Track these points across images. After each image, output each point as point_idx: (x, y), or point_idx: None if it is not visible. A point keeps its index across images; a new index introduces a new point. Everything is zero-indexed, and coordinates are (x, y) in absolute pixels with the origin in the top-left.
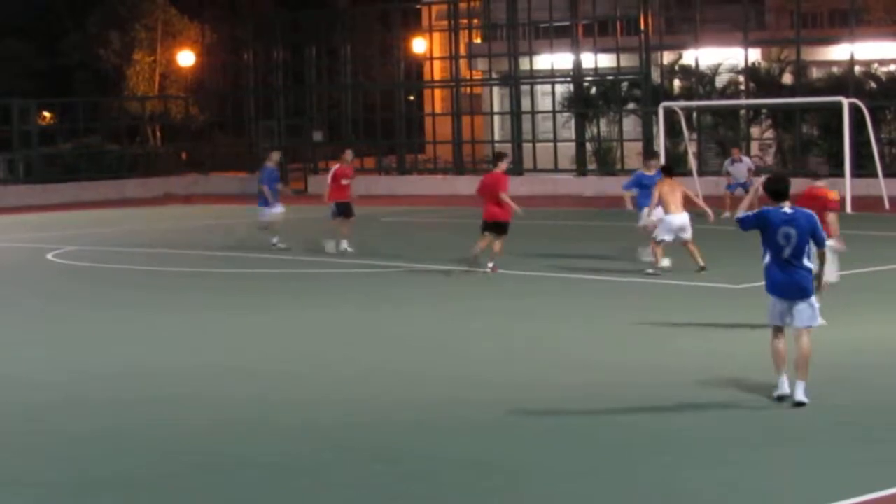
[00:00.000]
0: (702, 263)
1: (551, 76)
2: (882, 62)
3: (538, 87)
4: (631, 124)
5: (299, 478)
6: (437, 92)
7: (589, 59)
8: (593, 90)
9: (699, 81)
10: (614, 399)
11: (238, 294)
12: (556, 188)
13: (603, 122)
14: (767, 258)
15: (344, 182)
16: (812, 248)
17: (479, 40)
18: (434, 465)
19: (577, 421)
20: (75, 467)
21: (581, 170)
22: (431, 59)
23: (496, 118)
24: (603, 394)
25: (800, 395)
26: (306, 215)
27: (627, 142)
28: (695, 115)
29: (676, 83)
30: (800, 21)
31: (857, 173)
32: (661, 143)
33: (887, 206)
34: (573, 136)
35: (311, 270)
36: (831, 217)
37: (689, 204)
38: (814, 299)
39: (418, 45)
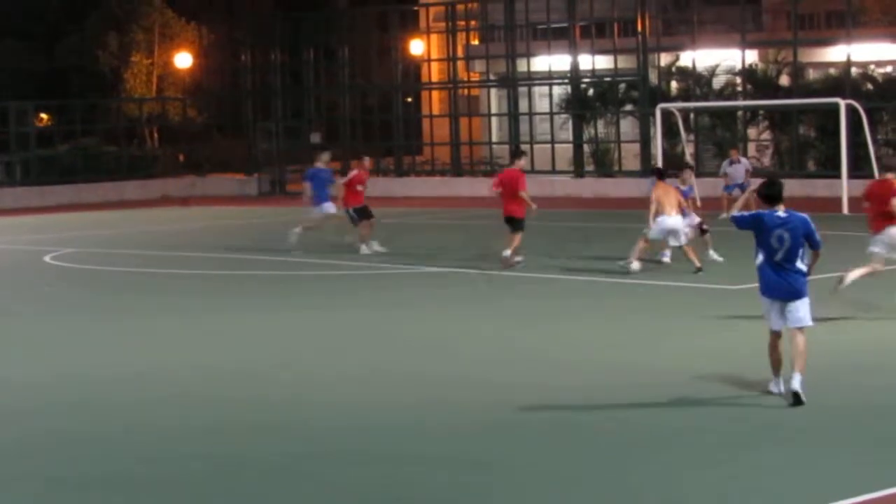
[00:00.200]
0: (698, 265)
1: (549, 78)
2: (879, 63)
3: (536, 89)
4: (628, 126)
5: (297, 479)
6: (435, 94)
7: (586, 61)
8: (591, 92)
9: (696, 83)
10: (612, 400)
11: (236, 296)
12: (554, 189)
13: (600, 124)
14: (760, 258)
15: (359, 188)
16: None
17: (476, 42)
18: (433, 467)
19: (576, 421)
20: (71, 468)
21: (579, 171)
22: (429, 60)
23: (494, 120)
24: (601, 394)
25: (796, 385)
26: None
27: (625, 143)
28: (692, 116)
29: (674, 85)
30: (797, 22)
31: (853, 174)
32: (658, 145)
33: None
34: (571, 138)
35: (309, 272)
36: (894, 202)
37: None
38: (806, 300)
39: (416, 47)
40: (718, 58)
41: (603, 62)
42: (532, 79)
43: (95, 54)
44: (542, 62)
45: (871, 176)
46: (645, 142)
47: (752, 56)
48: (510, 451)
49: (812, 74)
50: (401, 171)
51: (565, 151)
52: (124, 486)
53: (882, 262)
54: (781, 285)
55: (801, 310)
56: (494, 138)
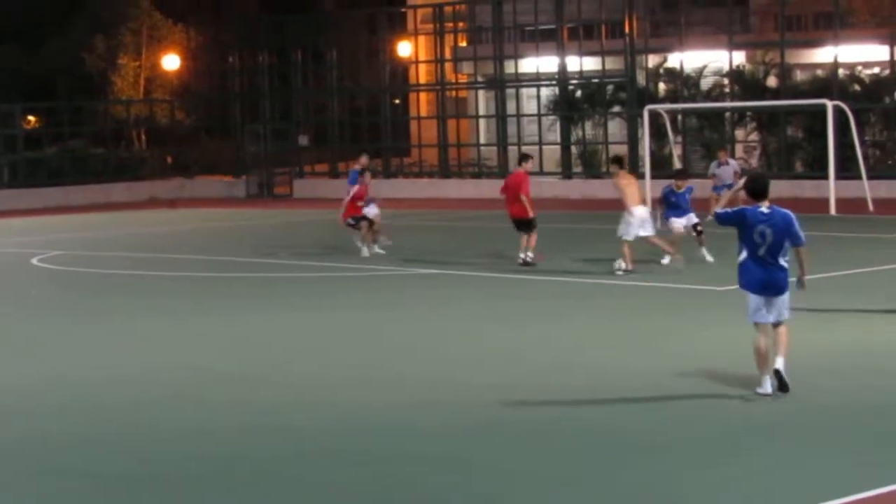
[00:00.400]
0: (669, 251)
1: (536, 79)
2: (866, 65)
3: (523, 91)
4: (616, 127)
5: (289, 480)
6: (423, 95)
7: (574, 63)
8: (578, 93)
9: (684, 84)
10: (604, 401)
11: (225, 298)
12: (542, 191)
13: (588, 126)
14: (744, 254)
15: (359, 203)
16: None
17: (464, 44)
18: (426, 468)
19: (569, 423)
20: (63, 469)
21: (566, 173)
22: (417, 62)
23: (481, 121)
24: (592, 396)
25: (779, 365)
26: (292, 220)
27: (612, 145)
28: (680, 117)
29: (661, 86)
30: (784, 24)
31: (841, 175)
32: (646, 146)
33: (871, 207)
34: (558, 140)
35: (299, 274)
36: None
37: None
38: (787, 295)
39: (404, 49)
40: (706, 59)
41: (591, 64)
42: (520, 80)
43: (82, 56)
44: (530, 64)
45: (860, 177)
46: (633, 143)
47: (739, 57)
48: (502, 453)
49: (799, 76)
50: (389, 172)
51: (553, 153)
52: (118, 488)
53: None
54: (765, 280)
55: (784, 304)
56: (482, 140)
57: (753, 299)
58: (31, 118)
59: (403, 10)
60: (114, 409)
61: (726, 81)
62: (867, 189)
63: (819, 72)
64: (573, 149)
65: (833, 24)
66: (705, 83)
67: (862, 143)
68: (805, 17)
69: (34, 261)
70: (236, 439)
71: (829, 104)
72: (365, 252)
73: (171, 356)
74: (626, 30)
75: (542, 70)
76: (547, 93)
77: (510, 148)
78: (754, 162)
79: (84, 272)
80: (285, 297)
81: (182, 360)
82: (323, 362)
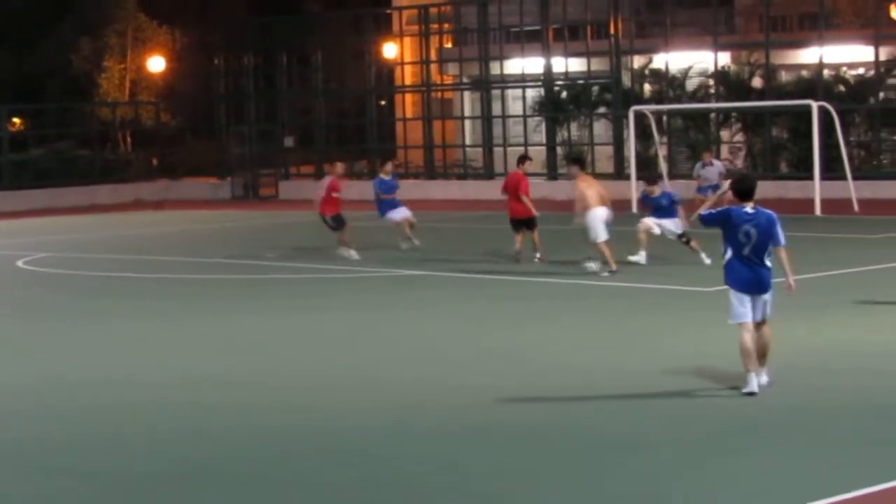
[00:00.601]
0: (611, 262)
1: (522, 80)
2: (851, 65)
3: (509, 92)
4: (601, 128)
5: (282, 482)
6: (409, 97)
7: (559, 64)
8: (564, 94)
9: (669, 85)
10: (594, 402)
11: (212, 300)
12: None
13: (574, 126)
14: (729, 254)
15: (335, 195)
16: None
17: (449, 45)
18: (408, 471)
19: (557, 424)
20: (52, 472)
21: (552, 174)
22: (402, 64)
23: (467, 123)
24: (581, 397)
25: (762, 379)
26: (277, 221)
27: (598, 146)
28: (665, 118)
29: (647, 87)
30: (769, 24)
31: (826, 176)
32: (631, 147)
33: (856, 208)
34: (544, 141)
35: (286, 276)
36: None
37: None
38: (771, 293)
39: (389, 50)
40: (691, 60)
41: (576, 65)
42: (505, 81)
43: (69, 58)
44: (516, 65)
45: (844, 177)
46: (618, 144)
47: (724, 58)
48: (497, 454)
49: (784, 76)
50: (375, 174)
51: (538, 154)
52: (111, 489)
53: None
54: (751, 279)
55: (768, 303)
56: (468, 141)
57: (736, 299)
58: (16, 120)
59: (389, 11)
60: (105, 411)
61: (711, 82)
62: (852, 189)
63: (804, 72)
64: (559, 150)
65: (818, 25)
66: (690, 84)
67: (847, 143)
68: (790, 18)
69: (20, 263)
70: (231, 440)
71: (814, 105)
72: (354, 256)
73: (160, 358)
74: (612, 31)
75: (527, 71)
76: (532, 94)
77: (496, 149)
78: (739, 163)
79: (70, 274)
80: (274, 299)
81: (172, 362)
82: (315, 363)
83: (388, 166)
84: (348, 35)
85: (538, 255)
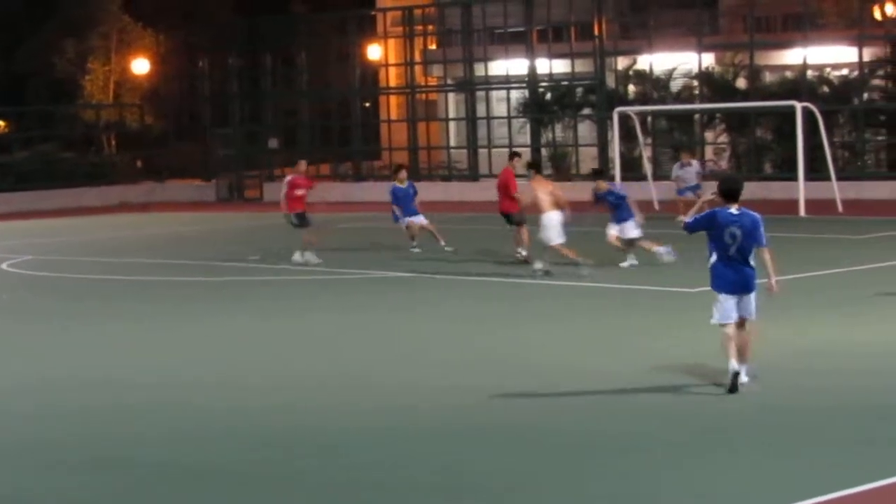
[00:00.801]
0: (577, 259)
1: (506, 82)
2: (835, 66)
3: (493, 93)
4: (586, 129)
5: (276, 484)
6: (393, 98)
7: (544, 65)
8: (548, 96)
9: (653, 86)
10: (576, 402)
11: (199, 302)
12: None
13: (558, 128)
14: (714, 257)
15: (298, 192)
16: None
17: (434, 46)
18: (401, 471)
19: (540, 426)
20: (42, 475)
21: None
22: (387, 65)
23: (452, 124)
24: (563, 398)
25: (742, 377)
26: (262, 223)
27: (583, 147)
28: (649, 119)
29: (631, 88)
30: (753, 25)
31: (810, 177)
32: (615, 149)
33: (840, 208)
34: (528, 142)
35: (272, 278)
36: None
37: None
38: (755, 294)
39: (374, 52)
40: (675, 61)
41: (560, 66)
42: (490, 83)
43: (53, 61)
44: (500, 66)
45: (829, 178)
46: (602, 145)
47: (709, 59)
48: (474, 456)
49: (769, 77)
50: (359, 176)
51: (523, 155)
52: (105, 491)
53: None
54: (736, 280)
55: (752, 303)
56: (452, 142)
57: (722, 301)
58: (0, 123)
59: (373, 13)
60: (98, 412)
61: (696, 83)
62: (836, 190)
63: (788, 73)
64: (543, 151)
65: (802, 26)
66: (675, 85)
67: (831, 144)
68: (774, 19)
69: (5, 266)
70: (224, 443)
71: (799, 106)
72: (313, 259)
73: (150, 360)
74: (596, 32)
75: (511, 72)
76: (517, 95)
77: (480, 150)
78: (724, 163)
79: (56, 277)
80: (261, 300)
81: (162, 364)
82: (305, 366)
83: (403, 174)
84: (333, 36)
85: (521, 251)
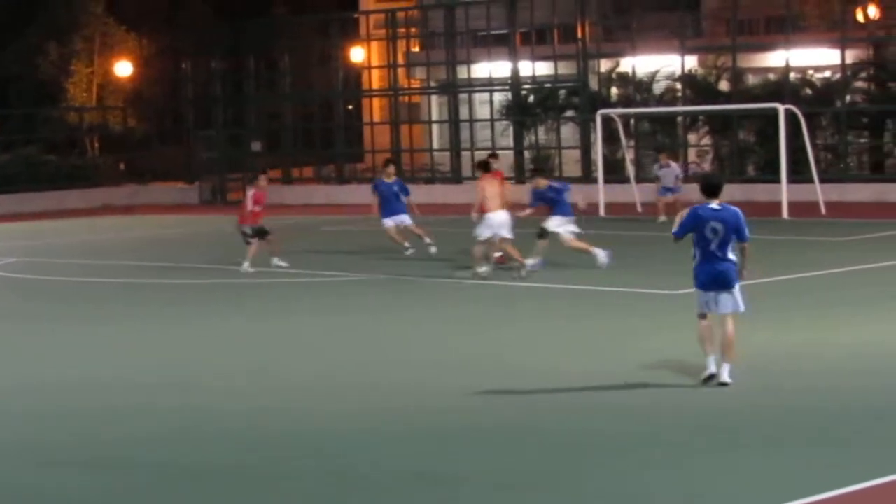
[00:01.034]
0: (522, 262)
1: (489, 84)
2: (817, 69)
3: (476, 96)
4: (569, 132)
5: (262, 490)
6: (376, 101)
7: (527, 68)
8: (531, 98)
9: (636, 89)
10: (563, 404)
11: (184, 304)
12: None
13: (541, 130)
14: (697, 257)
15: (257, 208)
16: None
17: (417, 49)
18: (379, 474)
19: (527, 427)
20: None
21: (520, 178)
22: (370, 68)
23: (434, 127)
24: (550, 400)
25: (725, 377)
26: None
27: (566, 149)
28: (632, 122)
29: (614, 91)
30: (736, 28)
31: (793, 179)
32: (598, 151)
33: (823, 210)
34: (511, 144)
35: (254, 280)
36: None
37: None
38: (737, 288)
39: (357, 54)
40: (658, 63)
41: (543, 68)
42: (472, 85)
43: (36, 63)
44: (483, 69)
45: (812, 180)
46: (585, 148)
47: (691, 62)
48: (463, 459)
49: (751, 79)
50: (342, 178)
51: (506, 158)
52: (104, 491)
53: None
54: (717, 276)
55: (733, 297)
56: (435, 145)
57: (702, 294)
58: None
59: (356, 15)
60: (86, 414)
61: (679, 86)
62: (819, 192)
63: (771, 76)
64: (526, 154)
65: (785, 29)
66: (658, 87)
67: (814, 146)
68: (757, 22)
69: None
70: (223, 443)
71: (781, 108)
72: (247, 267)
73: (138, 361)
74: (579, 34)
75: (494, 75)
76: (500, 97)
77: (463, 153)
78: (707, 166)
79: (40, 279)
80: (246, 303)
81: (151, 365)
82: (296, 367)
83: (391, 168)
84: (316, 39)
85: (496, 254)
